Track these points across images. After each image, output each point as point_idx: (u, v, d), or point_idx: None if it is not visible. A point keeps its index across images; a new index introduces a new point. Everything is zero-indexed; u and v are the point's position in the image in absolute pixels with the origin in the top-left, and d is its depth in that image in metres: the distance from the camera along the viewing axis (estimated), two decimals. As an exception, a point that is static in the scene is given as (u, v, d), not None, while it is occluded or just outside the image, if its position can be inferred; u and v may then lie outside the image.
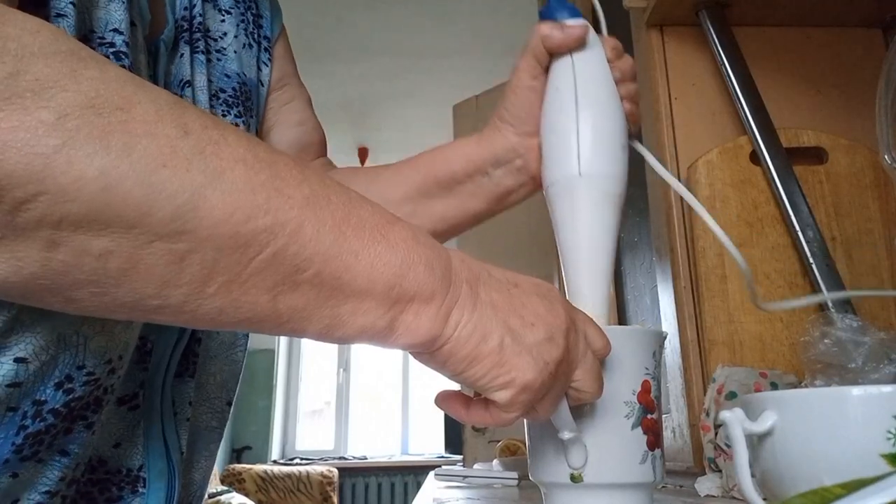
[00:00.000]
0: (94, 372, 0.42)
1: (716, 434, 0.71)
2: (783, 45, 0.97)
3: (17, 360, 0.38)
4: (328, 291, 0.32)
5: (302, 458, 4.80)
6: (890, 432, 0.35)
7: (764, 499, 0.40)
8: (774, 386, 0.74)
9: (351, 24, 3.16)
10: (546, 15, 0.56)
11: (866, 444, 0.35)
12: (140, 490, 0.47)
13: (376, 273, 0.33)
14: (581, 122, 0.51)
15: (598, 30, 0.57)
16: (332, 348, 5.26)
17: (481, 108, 2.93)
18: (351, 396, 5.20)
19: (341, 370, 5.24)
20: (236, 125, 0.57)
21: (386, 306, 0.33)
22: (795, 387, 0.74)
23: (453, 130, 3.12)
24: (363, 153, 4.24)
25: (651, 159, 0.57)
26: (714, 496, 0.67)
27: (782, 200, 0.84)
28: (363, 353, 5.29)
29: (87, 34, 0.42)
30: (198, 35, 0.56)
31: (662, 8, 0.95)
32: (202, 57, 0.55)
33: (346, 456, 4.92)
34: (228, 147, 0.30)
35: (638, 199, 1.16)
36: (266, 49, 0.64)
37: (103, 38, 0.42)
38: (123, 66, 0.42)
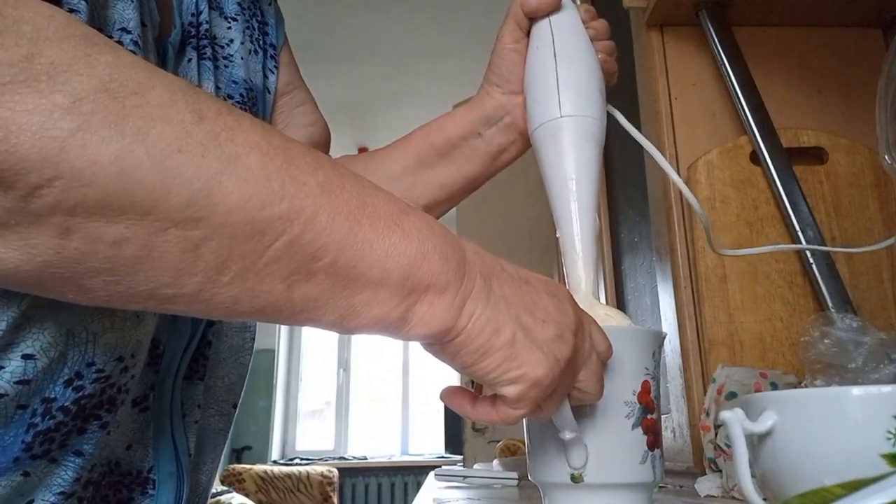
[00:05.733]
0: (104, 369, 0.41)
1: (716, 434, 0.71)
2: (783, 45, 0.97)
3: (25, 357, 0.38)
4: (343, 281, 0.32)
5: (302, 459, 4.80)
6: (890, 432, 0.35)
7: (764, 499, 0.40)
8: (774, 386, 0.74)
9: (351, 25, 3.16)
10: None
11: (866, 444, 0.35)
12: (150, 492, 0.47)
13: (391, 262, 0.32)
14: (560, 71, 0.56)
15: None
16: (332, 348, 5.26)
17: (481, 108, 2.92)
18: (351, 396, 5.20)
19: (341, 370, 5.24)
20: None
21: (400, 296, 0.33)
22: (795, 387, 0.74)
23: (453, 130, 3.11)
24: (363, 153, 4.24)
25: (622, 120, 0.62)
26: (714, 496, 0.67)
27: (782, 200, 0.84)
28: (363, 353, 5.29)
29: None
30: (205, 41, 0.56)
31: (662, 8, 0.95)
32: (209, 63, 0.56)
33: (346, 456, 4.92)
34: (243, 133, 0.30)
35: (638, 199, 1.16)
36: (272, 56, 0.65)
37: (111, 36, 0.42)
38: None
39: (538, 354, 0.35)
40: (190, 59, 0.54)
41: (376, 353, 5.28)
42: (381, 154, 0.69)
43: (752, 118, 0.88)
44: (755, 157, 0.88)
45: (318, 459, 4.76)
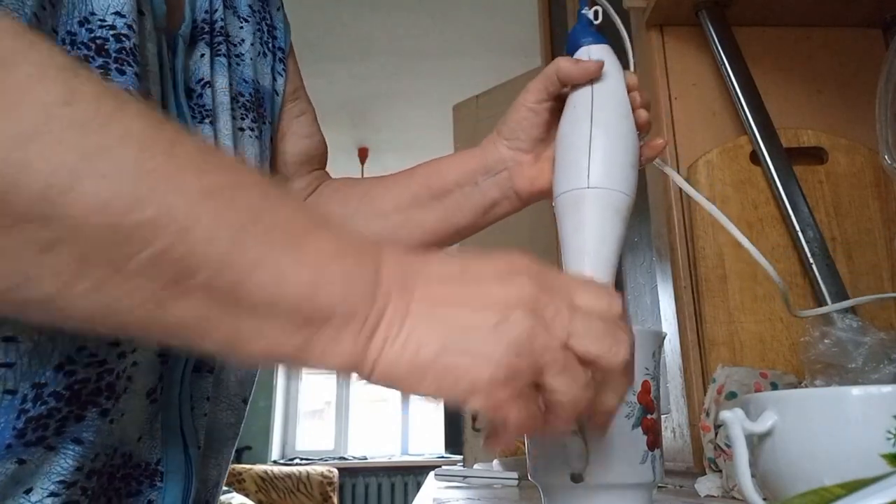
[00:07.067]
0: (97, 354, 0.41)
1: (716, 434, 0.71)
2: (783, 45, 0.97)
3: (6, 340, 0.37)
4: (224, 304, 0.28)
5: (302, 459, 4.80)
6: (890, 432, 0.35)
7: (764, 499, 0.40)
8: (774, 386, 0.74)
9: (351, 24, 3.16)
10: (572, 39, 0.58)
11: (866, 444, 0.35)
12: (158, 484, 0.47)
13: (282, 288, 0.29)
14: (594, 139, 0.53)
15: (625, 64, 0.60)
16: (332, 348, 5.27)
17: (481, 108, 2.93)
18: (351, 396, 5.20)
19: (341, 370, 5.24)
20: (252, 130, 0.58)
21: (295, 326, 0.29)
22: (795, 387, 0.74)
23: (453, 130, 3.11)
24: (363, 153, 4.24)
25: (681, 182, 0.61)
26: (714, 496, 0.67)
27: (782, 200, 0.84)
28: (363, 353, 5.29)
29: (87, 16, 0.42)
30: (220, 38, 0.56)
31: (662, 8, 0.95)
32: (224, 60, 0.56)
33: (346, 456, 4.92)
34: (121, 122, 0.27)
35: (638, 199, 1.16)
36: (281, 60, 0.66)
37: (104, 20, 0.43)
38: (124, 48, 0.43)
39: (476, 354, 0.30)
40: (203, 55, 0.54)
41: (376, 353, 5.27)
42: (380, 185, 0.67)
43: (752, 118, 0.88)
44: (755, 157, 0.88)
45: (318, 459, 4.76)
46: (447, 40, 3.28)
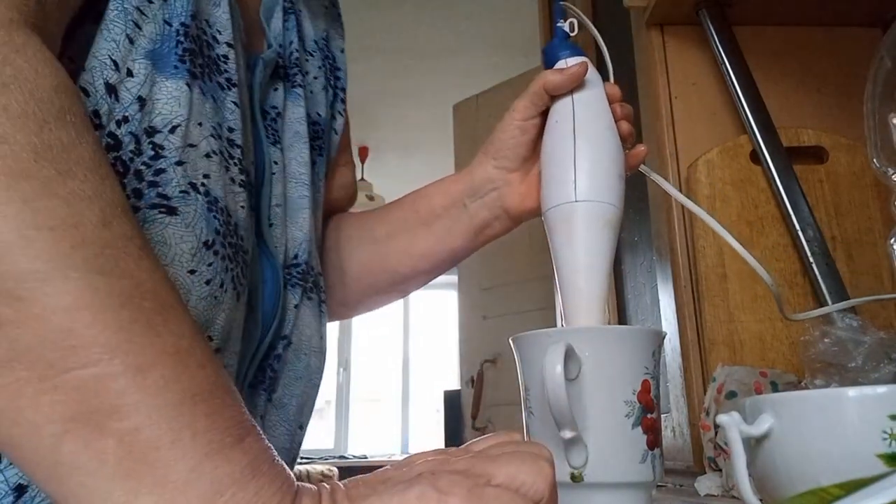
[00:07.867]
0: None
1: (716, 433, 0.71)
2: (783, 44, 0.97)
3: None
4: (133, 462, 0.25)
5: (302, 457, 4.81)
6: (886, 432, 0.35)
7: (760, 500, 0.40)
8: (774, 385, 0.74)
9: (351, 24, 3.14)
10: (549, 53, 0.58)
11: (862, 444, 0.35)
12: None
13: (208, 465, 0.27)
14: (578, 152, 0.53)
15: (604, 74, 0.60)
16: (332, 348, 5.27)
17: (481, 108, 2.93)
18: (351, 396, 5.20)
19: (341, 370, 5.24)
20: (311, 161, 0.58)
21: None
22: (795, 386, 0.74)
23: (453, 130, 3.11)
24: (363, 152, 4.24)
25: (668, 187, 0.61)
26: (714, 495, 0.67)
27: (782, 200, 0.84)
28: (363, 353, 5.29)
29: (194, 13, 0.43)
30: (295, 70, 0.57)
31: (662, 7, 0.95)
32: (300, 91, 0.56)
33: (346, 455, 4.92)
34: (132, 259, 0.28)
35: (638, 199, 1.16)
36: (342, 100, 0.66)
37: (208, 21, 0.45)
38: (218, 55, 0.45)
39: None
40: (276, 89, 0.55)
41: (376, 352, 5.28)
42: (371, 216, 0.68)
43: (753, 117, 0.88)
44: (755, 157, 0.88)
45: (319, 458, 4.77)
46: (447, 40, 3.28)
